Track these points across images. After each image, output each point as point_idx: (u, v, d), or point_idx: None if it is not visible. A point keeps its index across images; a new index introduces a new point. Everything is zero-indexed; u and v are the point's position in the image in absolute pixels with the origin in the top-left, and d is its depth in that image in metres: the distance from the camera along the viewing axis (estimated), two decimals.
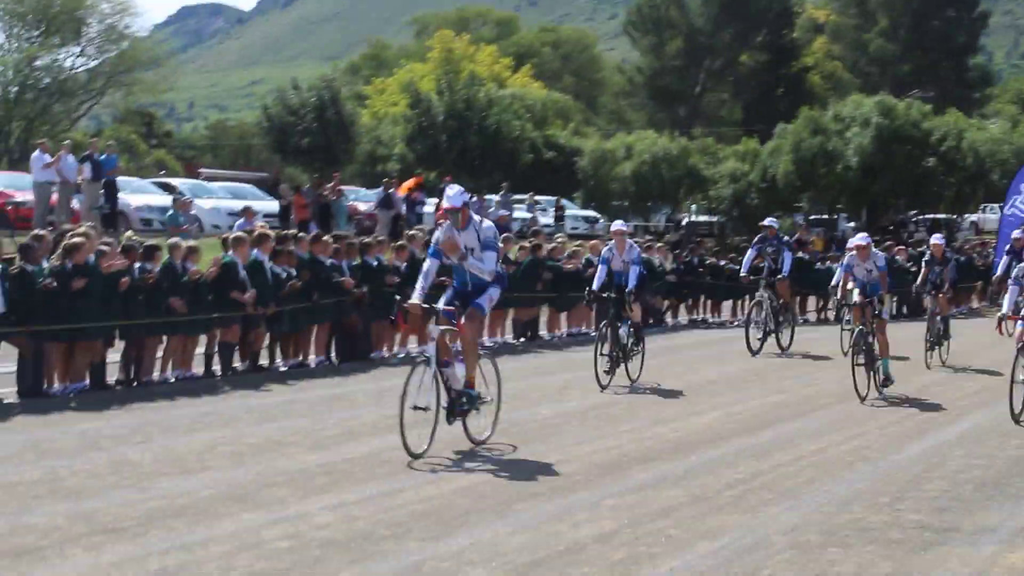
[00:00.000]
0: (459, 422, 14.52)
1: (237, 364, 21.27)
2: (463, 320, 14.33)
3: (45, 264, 18.42)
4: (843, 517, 11.48)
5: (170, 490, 12.06)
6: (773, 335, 26.48)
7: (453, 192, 14.57)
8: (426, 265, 14.46)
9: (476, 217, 14.78)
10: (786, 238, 29.15)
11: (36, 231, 20.96)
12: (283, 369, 21.92)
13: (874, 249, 20.90)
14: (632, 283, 21.03)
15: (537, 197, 53.70)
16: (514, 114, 62.04)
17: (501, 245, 15.62)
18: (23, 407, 17.25)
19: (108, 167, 35.82)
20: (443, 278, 15.69)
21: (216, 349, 21.13)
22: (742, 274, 27.34)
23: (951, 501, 12.26)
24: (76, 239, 18.79)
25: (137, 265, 19.50)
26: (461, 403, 14.37)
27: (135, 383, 19.48)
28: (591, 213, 59.29)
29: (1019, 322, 17.51)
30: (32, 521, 10.78)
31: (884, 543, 10.59)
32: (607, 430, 16.25)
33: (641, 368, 21.29)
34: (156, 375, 19.87)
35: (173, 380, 19.93)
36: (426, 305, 14.27)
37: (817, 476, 13.38)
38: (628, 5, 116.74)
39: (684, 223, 61.87)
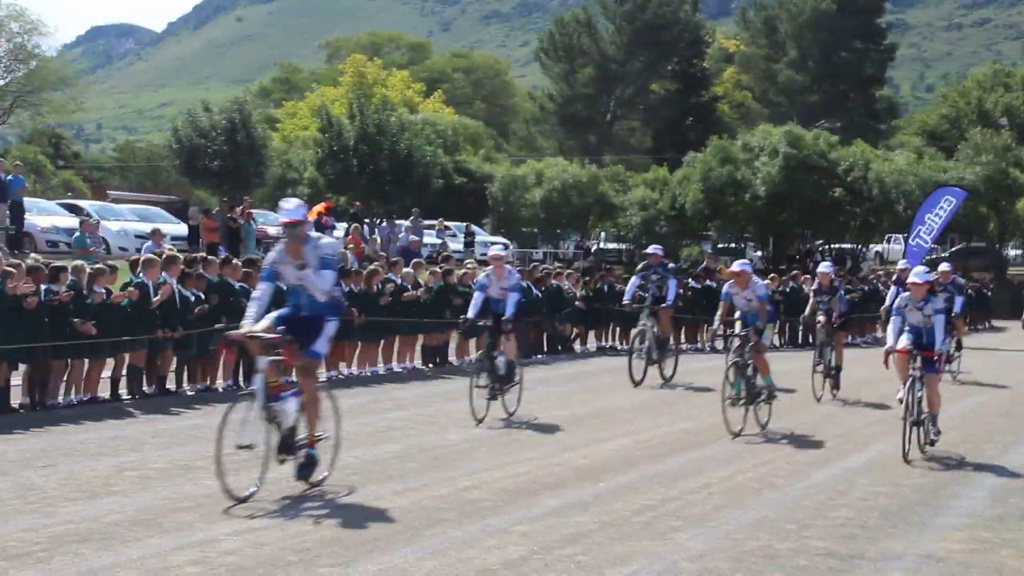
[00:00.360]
0: (289, 462, 13.36)
1: (144, 388, 21.09)
2: (299, 373, 13.63)
3: None
4: (751, 544, 11.56)
5: (76, 515, 11.94)
6: (656, 365, 25.79)
7: (292, 205, 13.49)
8: (258, 290, 13.64)
9: (315, 234, 14.13)
10: (671, 266, 28.61)
11: None
12: (190, 393, 21.74)
13: (754, 277, 20.16)
14: (509, 311, 19.86)
15: (447, 223, 53.75)
16: (425, 139, 62.10)
17: (339, 265, 15.25)
18: None
19: (15, 188, 35.47)
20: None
21: (123, 373, 20.94)
22: (624, 301, 26.75)
23: (857, 528, 12.37)
24: None
25: (43, 287, 19.28)
26: (301, 464, 13.30)
27: (39, 407, 19.25)
28: (501, 239, 59.48)
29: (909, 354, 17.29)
30: None
31: (791, 570, 10.68)
32: (516, 456, 16.25)
33: (519, 402, 20.20)
34: (61, 399, 19.65)
35: (77, 403, 19.72)
36: (252, 333, 13.14)
37: (725, 503, 13.46)
38: (540, 32, 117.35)
39: (593, 250, 62.13)
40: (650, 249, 27.38)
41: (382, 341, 26.30)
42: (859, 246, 64.17)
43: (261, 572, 10.10)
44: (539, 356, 29.99)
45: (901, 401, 17.35)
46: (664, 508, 13.08)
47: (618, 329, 34.30)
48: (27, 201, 38.46)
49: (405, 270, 27.68)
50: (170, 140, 61.09)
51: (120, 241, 38.91)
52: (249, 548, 10.85)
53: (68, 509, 12.23)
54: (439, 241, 49.96)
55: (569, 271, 35.65)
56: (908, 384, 17.00)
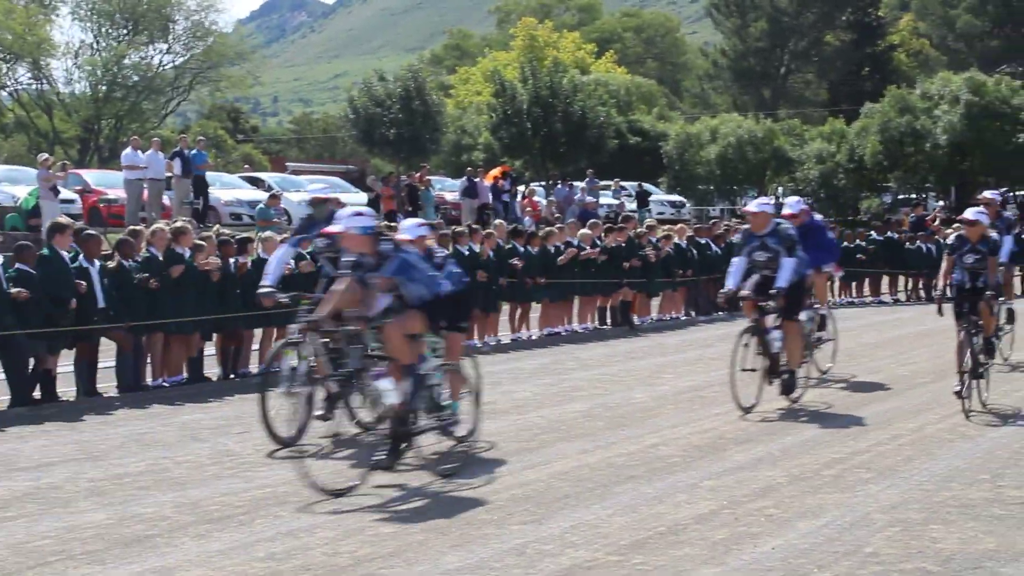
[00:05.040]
0: None
1: None
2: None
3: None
4: (943, 494, 11.45)
5: (272, 479, 12.22)
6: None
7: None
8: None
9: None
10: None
11: (131, 227, 21.25)
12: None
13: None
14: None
15: (623, 183, 53.58)
16: (598, 100, 61.96)
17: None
18: (124, 401, 17.51)
19: (198, 162, 36.18)
20: None
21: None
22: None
23: None
24: (164, 227, 19.17)
25: (232, 259, 19.70)
26: None
27: (231, 376, 19.70)
28: (677, 198, 59.17)
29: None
30: (140, 511, 10.97)
31: (986, 519, 10.56)
32: (702, 413, 16.23)
33: None
34: (252, 367, 20.08)
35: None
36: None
37: (915, 454, 13.34)
38: None
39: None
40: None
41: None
42: None
43: (456, 531, 10.26)
44: (720, 313, 29.29)
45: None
46: (853, 460, 13.00)
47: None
48: (210, 175, 39.20)
49: (582, 231, 27.66)
50: (346, 110, 61.74)
51: (301, 212, 39.41)
52: (443, 508, 11.02)
53: (264, 473, 12.53)
54: (616, 201, 49.84)
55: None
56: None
